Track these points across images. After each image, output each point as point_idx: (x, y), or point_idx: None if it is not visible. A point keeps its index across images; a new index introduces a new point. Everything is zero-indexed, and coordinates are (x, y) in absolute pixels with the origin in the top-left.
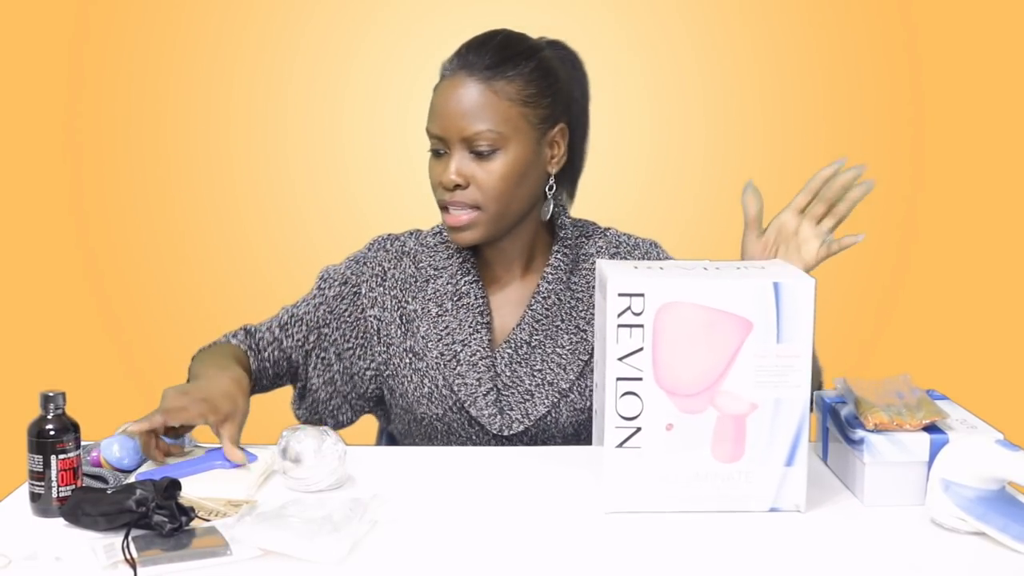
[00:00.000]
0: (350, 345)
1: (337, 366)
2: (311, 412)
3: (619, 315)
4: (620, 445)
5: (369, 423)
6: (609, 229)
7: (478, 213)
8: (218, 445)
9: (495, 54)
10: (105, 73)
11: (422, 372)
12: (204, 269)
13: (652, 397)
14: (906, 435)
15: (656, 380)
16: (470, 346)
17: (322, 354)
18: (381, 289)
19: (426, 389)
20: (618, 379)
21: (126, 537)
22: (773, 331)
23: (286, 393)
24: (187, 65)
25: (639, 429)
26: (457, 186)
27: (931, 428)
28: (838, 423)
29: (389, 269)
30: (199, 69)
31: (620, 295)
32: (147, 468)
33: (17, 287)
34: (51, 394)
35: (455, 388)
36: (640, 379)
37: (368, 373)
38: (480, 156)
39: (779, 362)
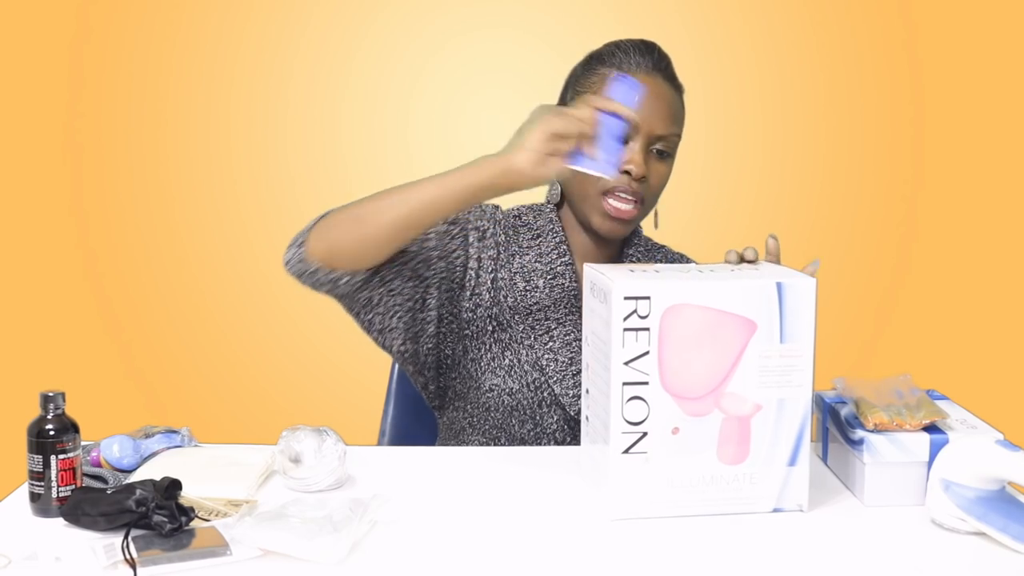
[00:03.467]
0: (441, 279)
1: (419, 292)
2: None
3: (625, 319)
4: (627, 451)
5: (369, 423)
6: (664, 247)
7: (640, 208)
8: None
9: (673, 70)
10: (105, 73)
11: (504, 343)
12: (204, 269)
13: (658, 401)
14: (906, 435)
15: (663, 384)
16: (564, 325)
17: (422, 271)
18: (480, 245)
19: (507, 361)
20: (624, 384)
21: (126, 537)
22: (777, 331)
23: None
24: (187, 65)
25: (645, 434)
26: (643, 177)
27: (931, 428)
28: (838, 423)
29: (488, 229)
30: (199, 69)
31: (626, 298)
32: (146, 471)
33: (17, 287)
34: (51, 394)
35: (544, 364)
36: (646, 383)
37: (438, 317)
38: (658, 156)
39: (782, 362)
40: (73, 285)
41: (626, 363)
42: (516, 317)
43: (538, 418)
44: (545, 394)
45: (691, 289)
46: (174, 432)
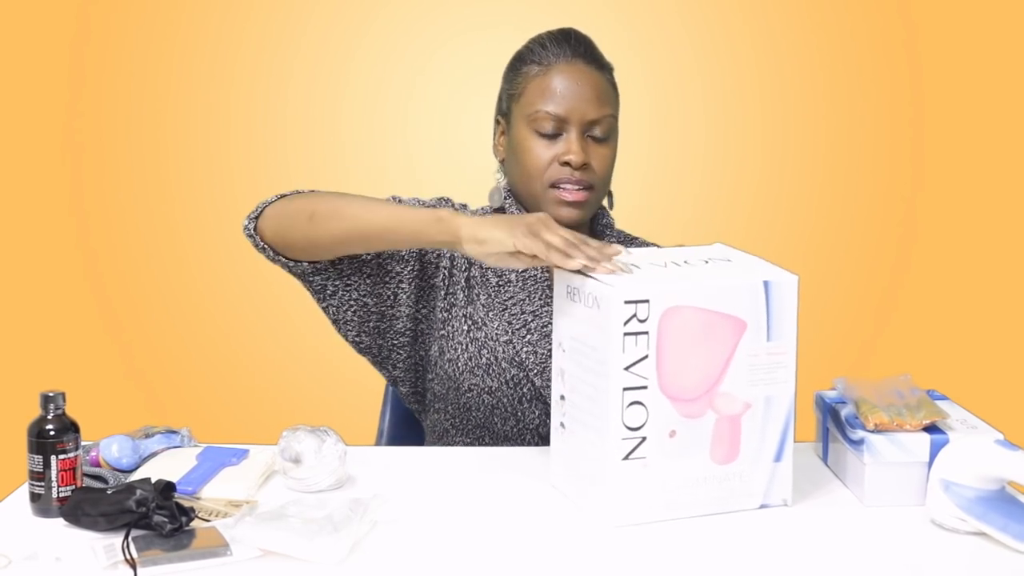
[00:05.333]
0: (414, 276)
1: (389, 288)
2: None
3: (625, 323)
4: (626, 457)
5: (369, 423)
6: (637, 239)
7: (591, 193)
8: (214, 444)
9: (595, 50)
10: (105, 73)
11: (480, 342)
12: (204, 269)
13: (656, 405)
14: (906, 435)
15: (660, 387)
16: (541, 317)
17: (391, 265)
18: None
19: (484, 360)
20: (624, 389)
21: (126, 537)
22: (764, 329)
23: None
24: (187, 65)
25: (644, 439)
26: (584, 165)
27: (931, 428)
28: (838, 423)
29: None
30: (199, 69)
31: (626, 302)
32: (145, 471)
33: (17, 287)
34: (51, 394)
35: (524, 358)
36: (646, 387)
37: (412, 316)
38: (596, 140)
39: (769, 359)
40: (73, 285)
41: (626, 368)
42: (491, 314)
43: (520, 414)
44: (525, 389)
45: (688, 290)
46: (174, 432)
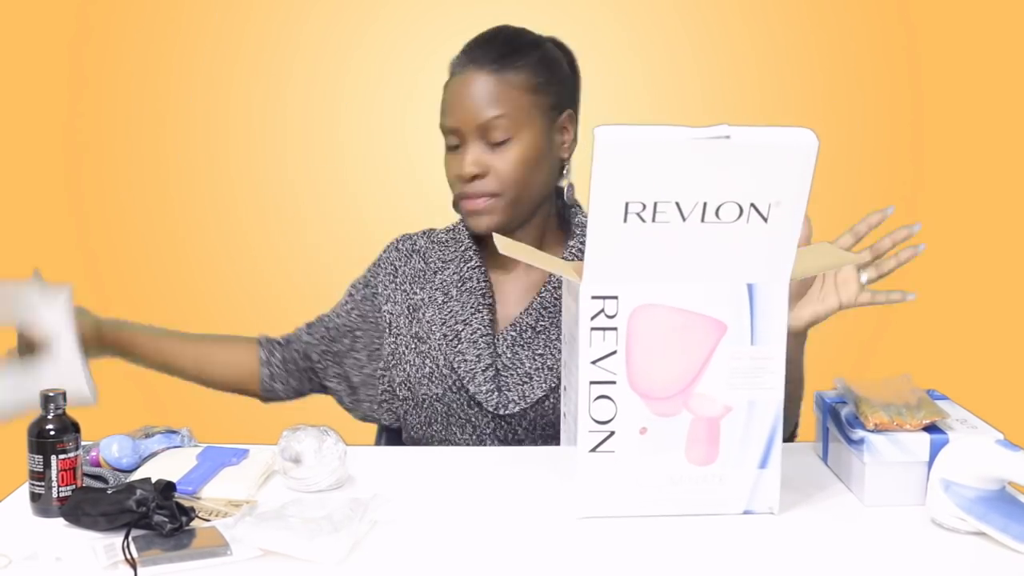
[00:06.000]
0: (377, 345)
1: (370, 367)
2: (359, 408)
3: (592, 318)
4: (593, 449)
5: (369, 424)
6: None
7: (496, 199)
8: (214, 444)
9: (502, 47)
10: (105, 73)
11: (424, 353)
12: (204, 270)
13: (626, 401)
14: (906, 435)
15: (630, 383)
16: (471, 325)
17: (356, 355)
18: (393, 285)
19: (427, 369)
20: (591, 383)
21: (126, 537)
22: (747, 333)
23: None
24: (187, 65)
25: (612, 433)
26: (475, 176)
27: (931, 428)
28: (838, 423)
29: (400, 267)
30: (199, 69)
31: (593, 298)
32: (145, 471)
33: None
34: (51, 394)
35: (455, 365)
36: (614, 382)
37: (373, 373)
38: (495, 145)
39: (753, 364)
40: (73, 285)
41: (593, 362)
42: (433, 328)
43: (474, 420)
44: (466, 395)
45: (660, 290)
46: (174, 432)
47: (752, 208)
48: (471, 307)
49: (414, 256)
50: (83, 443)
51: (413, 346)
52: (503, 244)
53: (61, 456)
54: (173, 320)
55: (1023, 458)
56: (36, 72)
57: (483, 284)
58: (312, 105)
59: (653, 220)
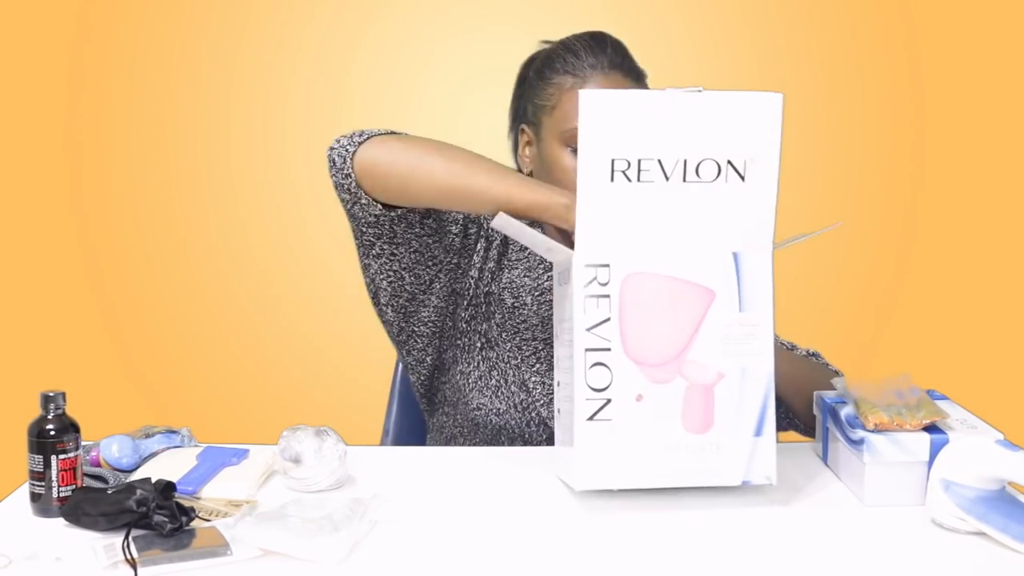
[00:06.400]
0: (450, 271)
1: (428, 273)
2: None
3: (586, 285)
4: (591, 418)
5: (371, 423)
6: None
7: None
8: (214, 444)
9: (630, 59)
10: (105, 73)
11: (491, 362)
12: (204, 269)
13: (621, 367)
14: (906, 435)
15: (624, 350)
16: (551, 346)
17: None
18: (484, 255)
19: (493, 382)
20: (587, 350)
21: (126, 537)
22: (735, 300)
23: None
24: (187, 65)
25: (609, 401)
26: None
27: (931, 428)
28: (838, 423)
29: (495, 239)
30: (199, 69)
31: (587, 266)
32: (145, 471)
33: (17, 287)
34: (51, 394)
35: (531, 386)
36: (609, 350)
37: (439, 311)
38: None
39: (743, 331)
40: (73, 285)
41: (588, 329)
42: (503, 335)
43: (527, 436)
44: (532, 415)
45: (650, 258)
46: (174, 432)
47: (729, 166)
48: (552, 325)
49: (498, 235)
50: (83, 443)
51: (479, 345)
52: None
53: (61, 456)
54: (173, 319)
55: (1023, 458)
56: (36, 72)
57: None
58: (312, 105)
59: (638, 179)
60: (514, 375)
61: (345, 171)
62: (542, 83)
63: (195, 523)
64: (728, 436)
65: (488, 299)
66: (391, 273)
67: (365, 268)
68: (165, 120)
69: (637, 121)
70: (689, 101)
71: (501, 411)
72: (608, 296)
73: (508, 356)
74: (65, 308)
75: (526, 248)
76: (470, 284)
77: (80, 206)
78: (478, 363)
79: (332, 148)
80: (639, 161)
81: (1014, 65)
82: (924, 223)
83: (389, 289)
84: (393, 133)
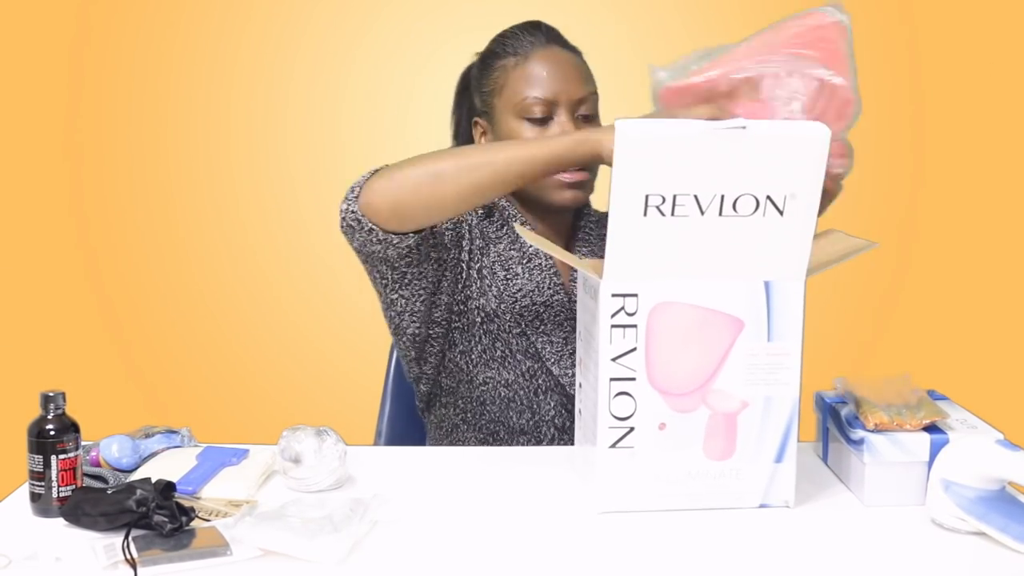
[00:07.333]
0: (452, 264)
1: (438, 275)
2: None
3: (612, 315)
4: (613, 446)
5: (369, 423)
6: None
7: (587, 173)
8: (214, 444)
9: (563, 37)
10: (105, 73)
11: (493, 334)
12: (204, 269)
13: (645, 397)
14: (906, 435)
15: (649, 380)
16: (552, 307)
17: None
18: (469, 236)
19: (498, 353)
20: (611, 379)
21: (126, 537)
22: (764, 330)
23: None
24: (187, 65)
25: (632, 429)
26: None
27: (931, 428)
28: (838, 423)
29: (470, 220)
30: (199, 69)
31: (614, 296)
32: (145, 471)
33: (17, 287)
34: (51, 394)
35: (539, 347)
36: (633, 379)
37: (448, 305)
38: (585, 119)
39: (770, 360)
40: (73, 285)
41: (613, 359)
42: (502, 306)
43: (535, 406)
44: (541, 380)
45: (679, 287)
46: (174, 432)
47: (768, 201)
48: (548, 288)
49: (473, 216)
50: (83, 443)
51: (479, 321)
52: (530, 237)
53: (61, 456)
54: (173, 319)
55: (1023, 458)
56: (36, 72)
57: (551, 262)
58: (313, 105)
59: (672, 214)
60: (518, 343)
61: (367, 227)
62: (486, 71)
63: (195, 523)
64: (748, 462)
65: (481, 274)
66: (422, 292)
67: (391, 304)
68: (165, 120)
69: (675, 156)
70: (732, 136)
71: (509, 381)
72: (635, 326)
73: (510, 325)
74: (65, 308)
75: (503, 224)
76: (462, 267)
77: (80, 206)
78: (480, 337)
79: (342, 218)
80: (674, 197)
81: (1014, 65)
82: (924, 223)
83: (422, 308)
84: (374, 173)
